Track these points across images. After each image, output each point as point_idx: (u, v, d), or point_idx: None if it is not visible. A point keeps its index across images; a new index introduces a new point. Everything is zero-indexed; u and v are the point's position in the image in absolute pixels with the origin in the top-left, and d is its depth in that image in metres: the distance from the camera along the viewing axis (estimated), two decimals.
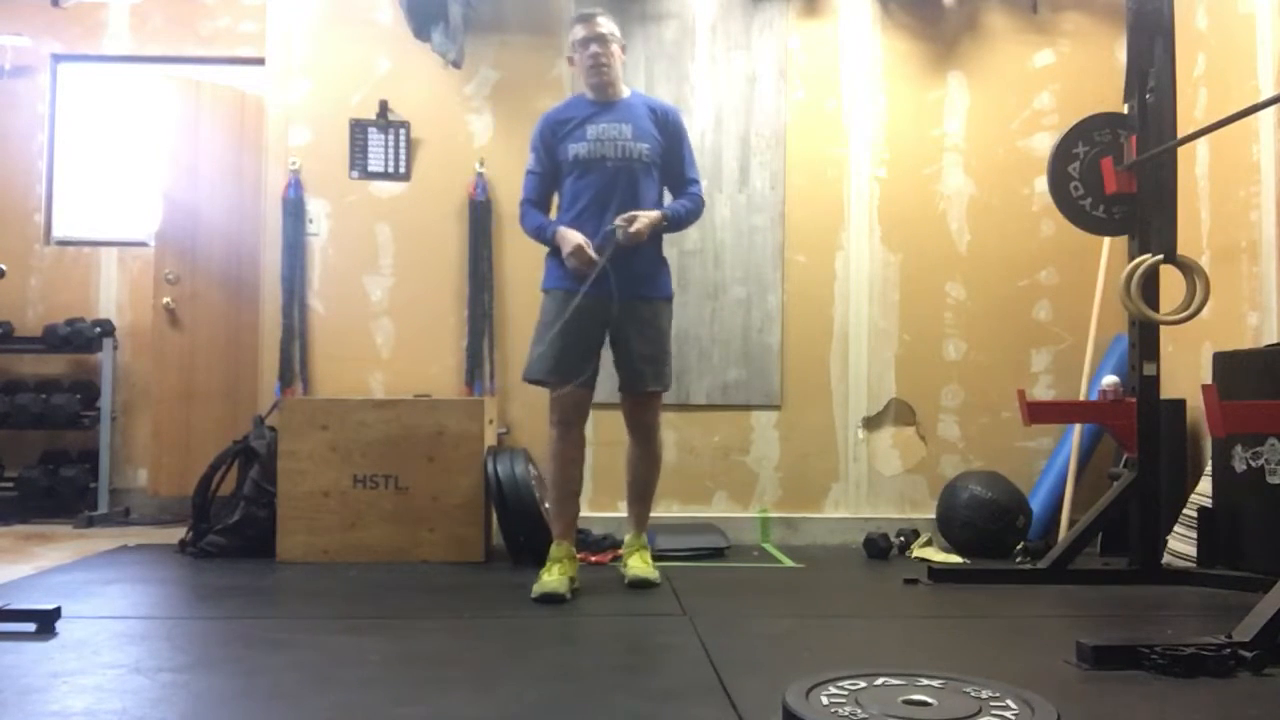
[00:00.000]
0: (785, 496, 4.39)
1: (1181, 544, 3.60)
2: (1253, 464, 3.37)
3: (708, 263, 4.32)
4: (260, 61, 4.57)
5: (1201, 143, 3.97)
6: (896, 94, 4.49)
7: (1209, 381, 3.40)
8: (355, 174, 4.41)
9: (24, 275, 5.06)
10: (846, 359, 4.42)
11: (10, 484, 4.84)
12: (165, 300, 4.77)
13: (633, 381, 3.23)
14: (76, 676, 2.10)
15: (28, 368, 5.07)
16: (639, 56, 4.38)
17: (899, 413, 4.43)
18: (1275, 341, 3.59)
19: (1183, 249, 3.28)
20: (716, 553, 3.94)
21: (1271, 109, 3.57)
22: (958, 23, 4.52)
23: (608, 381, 3.35)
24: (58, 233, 5.20)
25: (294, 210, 4.35)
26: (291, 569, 3.57)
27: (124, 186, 5.25)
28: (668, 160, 3.27)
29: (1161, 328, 3.40)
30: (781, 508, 4.38)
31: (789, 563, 3.86)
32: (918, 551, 3.99)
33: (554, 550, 3.19)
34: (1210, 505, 3.54)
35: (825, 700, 1.74)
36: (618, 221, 3.08)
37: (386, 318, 4.39)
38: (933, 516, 4.21)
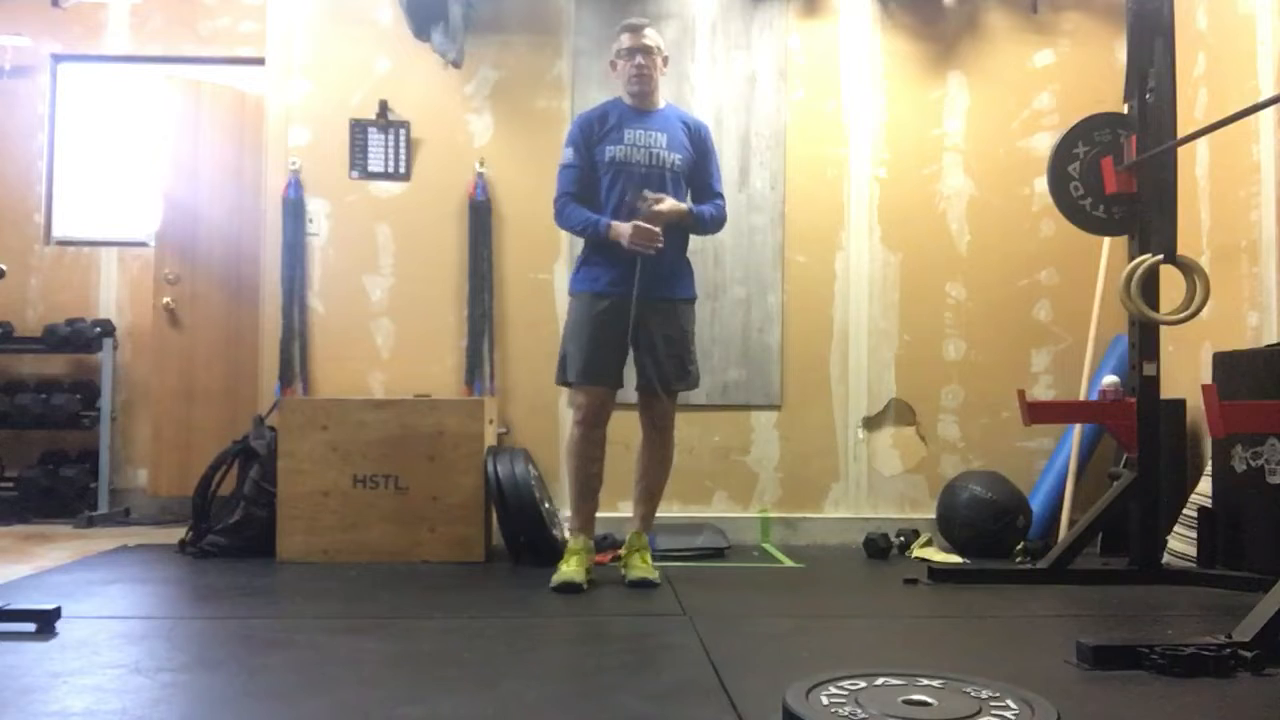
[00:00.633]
0: (785, 496, 4.39)
1: (1181, 544, 3.60)
2: (1253, 464, 3.37)
3: (708, 263, 4.32)
4: (260, 61, 4.57)
5: (1201, 143, 3.97)
6: (896, 94, 4.49)
7: (1209, 381, 3.40)
8: (355, 174, 4.41)
9: (24, 275, 5.05)
10: (846, 359, 4.43)
11: (10, 484, 4.84)
12: (165, 300, 4.77)
13: (656, 381, 3.28)
14: (76, 676, 2.10)
15: (28, 368, 5.07)
16: None
17: (899, 413, 4.43)
18: (1275, 341, 3.59)
19: (1183, 249, 3.28)
20: (716, 553, 3.94)
21: (1271, 109, 3.57)
22: (958, 23, 4.52)
23: None
24: (58, 233, 5.19)
25: (294, 210, 4.35)
26: (291, 569, 3.57)
27: (124, 186, 5.25)
28: (696, 173, 3.38)
29: (1161, 328, 3.40)
30: (781, 508, 4.38)
31: (789, 563, 3.86)
32: (918, 551, 3.99)
33: (572, 543, 3.29)
34: (1210, 505, 3.54)
35: (825, 700, 1.74)
36: (646, 193, 3.17)
37: (386, 318, 4.39)
38: (933, 516, 4.21)
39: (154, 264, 4.83)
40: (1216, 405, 2.56)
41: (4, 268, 3.04)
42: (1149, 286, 3.29)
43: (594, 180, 3.31)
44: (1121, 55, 3.77)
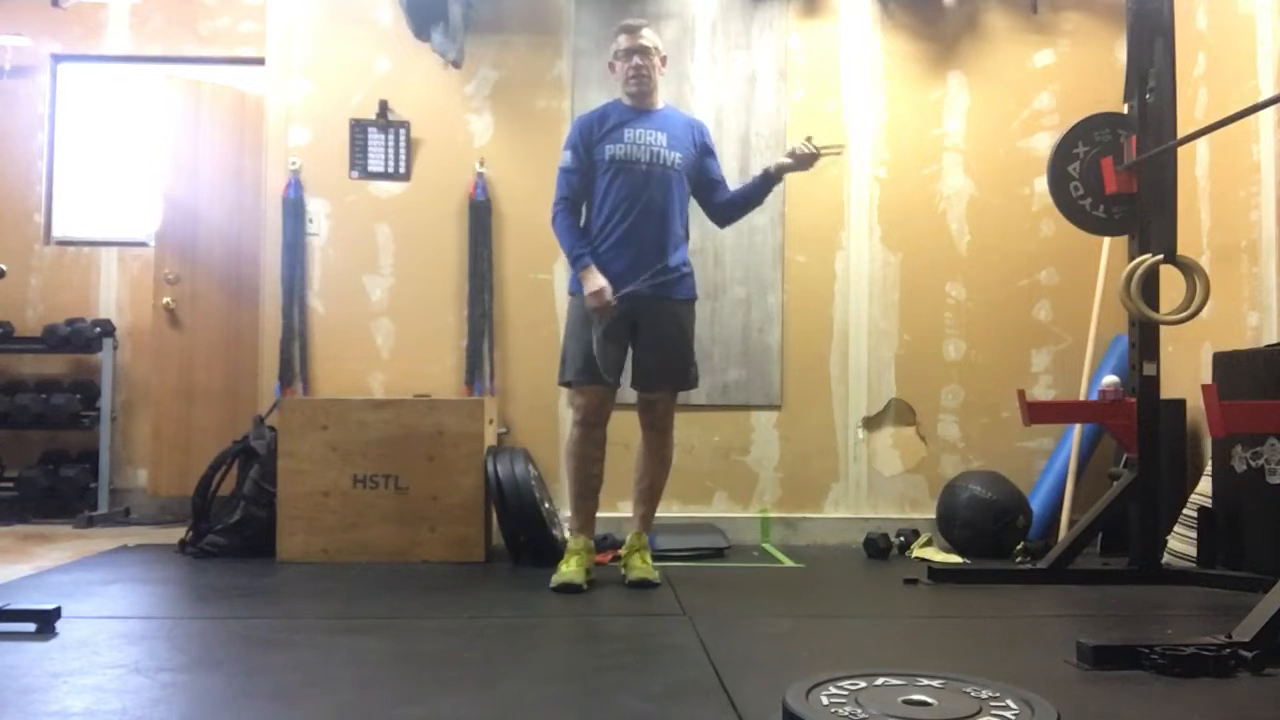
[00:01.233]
0: (785, 496, 4.39)
1: (1181, 544, 3.60)
2: (1253, 464, 3.37)
3: (708, 263, 4.32)
4: (260, 61, 4.57)
5: (1201, 143, 3.97)
6: (896, 94, 4.49)
7: (1209, 381, 3.40)
8: (355, 174, 4.41)
9: (24, 275, 5.05)
10: (846, 359, 4.43)
11: (10, 484, 4.84)
12: (165, 300, 4.77)
13: (656, 380, 3.30)
14: (76, 676, 2.10)
15: (28, 368, 5.07)
16: None
17: (899, 413, 4.43)
18: (1275, 341, 3.59)
19: (1183, 249, 3.28)
20: (716, 553, 3.94)
21: (1271, 109, 3.57)
22: (958, 23, 4.52)
23: None
24: (58, 233, 5.19)
25: (294, 210, 4.35)
26: (291, 569, 3.57)
27: (124, 186, 5.25)
28: (700, 171, 3.40)
29: (1161, 328, 3.40)
30: (781, 508, 4.38)
31: (789, 563, 3.86)
32: (918, 551, 3.99)
33: (572, 543, 3.29)
34: (1210, 505, 3.54)
35: (825, 700, 1.74)
36: (799, 147, 3.31)
37: (386, 318, 4.39)
38: (933, 516, 4.21)
39: (154, 264, 4.83)
40: (1216, 405, 2.56)
41: (4, 268, 3.04)
42: (1149, 286, 3.29)
43: (592, 182, 3.32)
44: (1121, 55, 3.76)
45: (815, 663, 2.22)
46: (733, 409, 4.39)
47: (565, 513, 3.54)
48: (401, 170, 4.41)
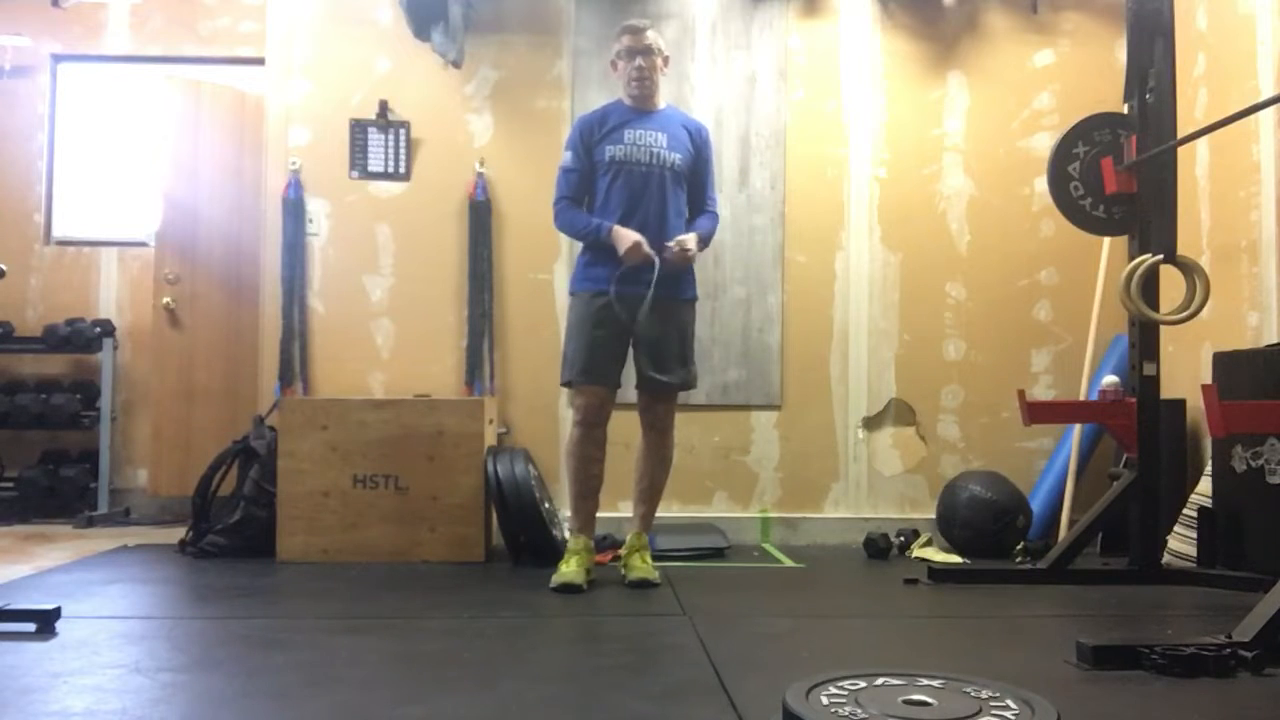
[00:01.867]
0: (785, 496, 4.39)
1: (1181, 544, 3.60)
2: (1253, 464, 3.37)
3: (708, 263, 4.32)
4: (260, 61, 4.57)
5: (1201, 143, 3.97)
6: (896, 94, 4.49)
7: (1209, 381, 3.40)
8: (355, 174, 4.41)
9: (24, 275, 5.05)
10: (846, 359, 4.43)
11: (10, 484, 4.84)
12: (165, 300, 4.77)
13: (657, 380, 3.29)
14: (76, 676, 2.10)
15: (28, 368, 5.07)
16: None
17: (899, 413, 4.43)
18: (1275, 341, 3.59)
19: (1183, 249, 3.28)
20: (716, 553, 3.94)
21: (1271, 109, 3.57)
22: (958, 23, 4.52)
23: None
24: (58, 233, 5.19)
25: (294, 210, 4.35)
26: (291, 569, 3.57)
27: (124, 186, 5.25)
28: (693, 175, 3.39)
29: (1161, 328, 3.40)
30: (781, 508, 4.38)
31: (789, 563, 3.86)
32: (918, 551, 3.99)
33: (572, 543, 3.29)
34: (1210, 505, 3.54)
35: (825, 700, 1.74)
36: (673, 245, 3.21)
37: (386, 318, 4.39)
38: (933, 516, 4.21)
39: (154, 264, 4.83)
40: (1216, 405, 2.57)
41: (4, 268, 3.04)
42: (1149, 286, 3.29)
43: (592, 182, 3.33)
44: (1121, 55, 3.76)
45: (815, 663, 2.23)
46: (733, 409, 4.39)
47: (565, 513, 3.54)
48: (401, 170, 4.41)
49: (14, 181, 5.12)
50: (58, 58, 5.19)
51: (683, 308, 3.34)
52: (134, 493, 5.01)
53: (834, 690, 1.79)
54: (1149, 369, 3.40)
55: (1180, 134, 3.33)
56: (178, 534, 3.97)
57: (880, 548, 3.96)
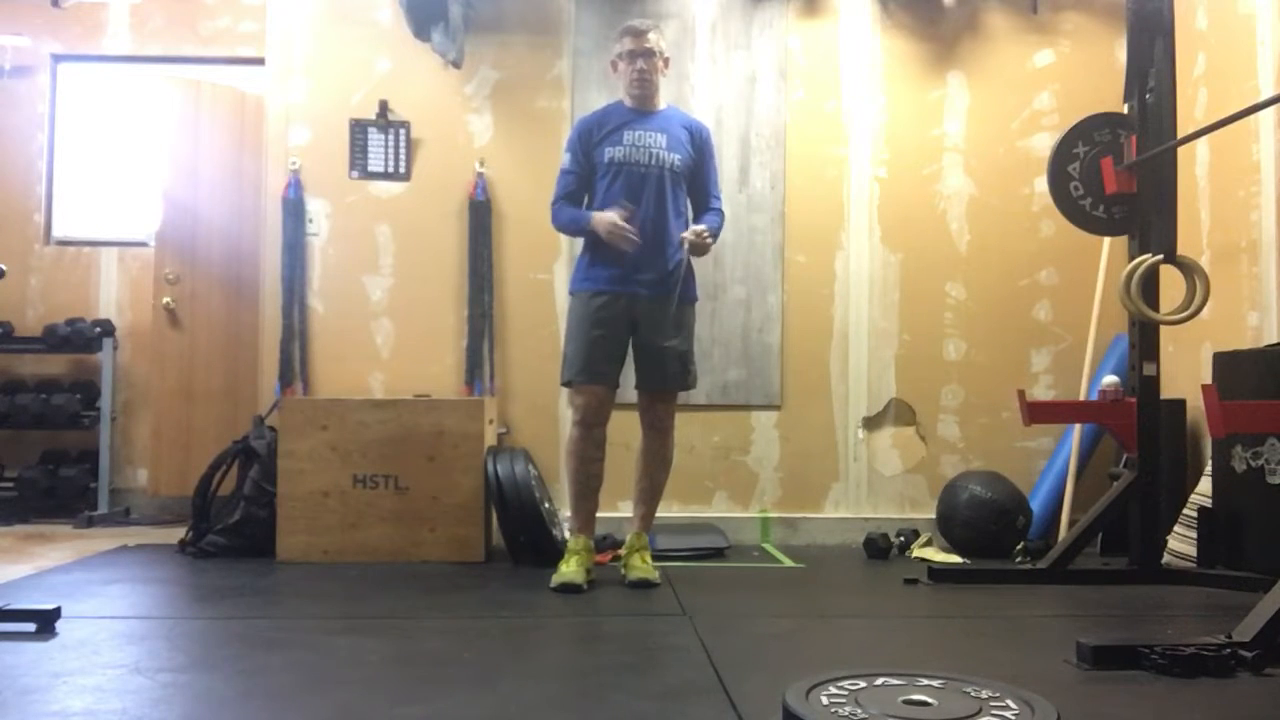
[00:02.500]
0: (785, 496, 4.39)
1: (1181, 544, 3.60)
2: (1253, 464, 3.37)
3: (707, 263, 4.29)
4: (260, 61, 4.57)
5: (1201, 143, 3.97)
6: (896, 94, 4.49)
7: (1209, 381, 3.40)
8: (355, 174, 4.41)
9: (24, 275, 5.06)
10: (846, 359, 4.43)
11: (10, 484, 4.84)
12: (165, 300, 4.77)
13: (659, 379, 3.30)
14: (76, 676, 2.10)
15: (28, 368, 5.07)
16: None
17: (899, 413, 4.43)
18: (1275, 341, 3.59)
19: (1183, 249, 3.28)
20: (716, 553, 3.94)
21: (1271, 109, 3.57)
22: (958, 23, 4.52)
23: None
24: (58, 233, 5.19)
25: (294, 210, 4.35)
26: (291, 569, 3.57)
27: (124, 186, 5.25)
28: (695, 175, 3.40)
29: (1161, 328, 3.40)
30: (781, 508, 4.38)
31: (789, 563, 3.86)
32: (918, 551, 3.99)
33: (572, 543, 3.30)
34: (1210, 505, 3.54)
35: (825, 700, 1.74)
36: (689, 235, 3.21)
37: (386, 318, 4.39)
38: (933, 516, 4.21)
39: (154, 264, 4.83)
40: (1216, 405, 2.57)
41: (4, 268, 3.04)
42: (1149, 286, 3.29)
43: (591, 184, 3.35)
44: (1121, 55, 3.76)
45: (815, 663, 2.22)
46: (733, 409, 4.39)
47: (565, 513, 3.54)
48: (401, 170, 4.41)
49: (14, 181, 5.12)
50: (58, 58, 5.19)
51: (684, 307, 3.34)
52: (134, 493, 5.00)
53: (834, 690, 1.79)
54: (1149, 369, 3.40)
55: (1180, 134, 3.33)
56: (178, 534, 3.97)
57: (880, 548, 3.95)
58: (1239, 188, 3.87)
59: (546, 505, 3.79)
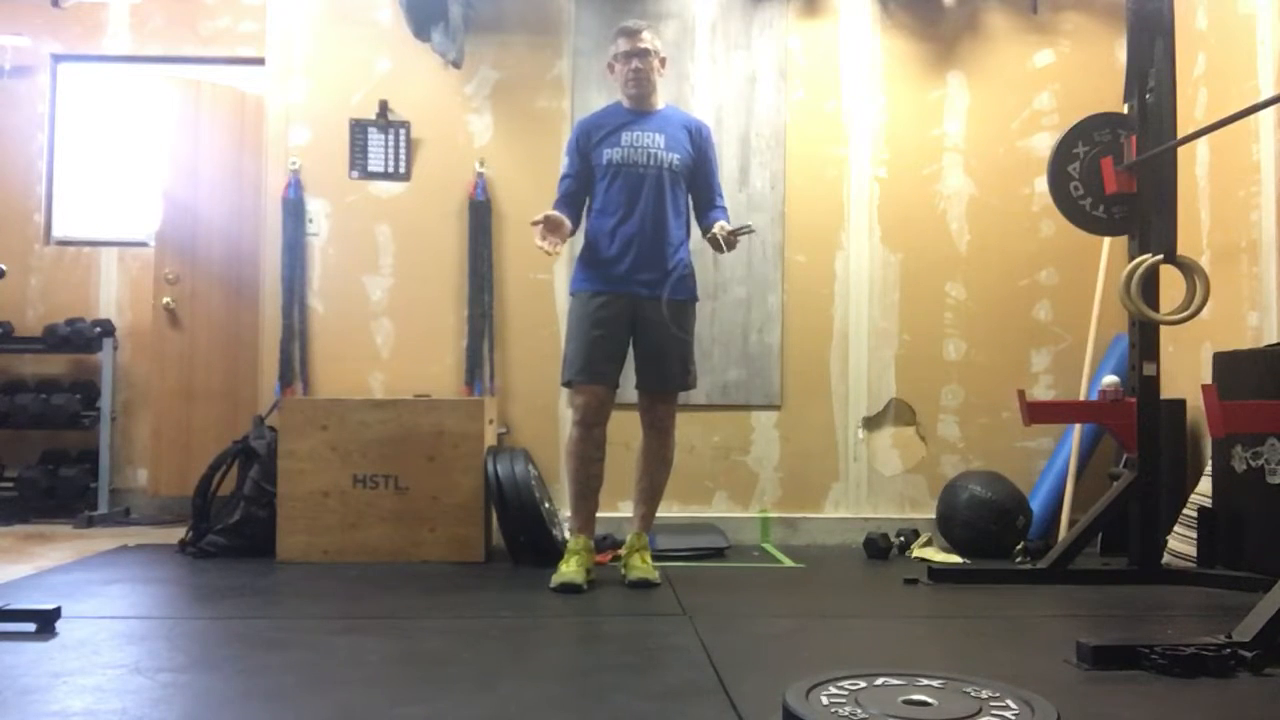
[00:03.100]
0: (785, 496, 4.39)
1: (1181, 544, 3.60)
2: (1253, 464, 3.37)
3: (707, 263, 4.31)
4: (260, 61, 4.57)
5: (1201, 143, 3.97)
6: (896, 94, 4.49)
7: (1209, 381, 3.40)
8: (355, 174, 4.41)
9: (24, 275, 5.06)
10: (846, 359, 4.43)
11: (10, 484, 4.84)
12: (165, 300, 4.77)
13: (659, 379, 3.31)
14: (76, 676, 2.10)
15: (28, 368, 5.07)
16: None
17: (899, 413, 4.43)
18: (1275, 341, 3.59)
19: (1183, 249, 3.28)
20: (716, 553, 3.94)
21: (1271, 109, 3.57)
22: (958, 23, 4.52)
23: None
24: (58, 233, 5.19)
25: (294, 210, 4.35)
26: (291, 569, 3.57)
27: (124, 186, 5.25)
28: (696, 174, 3.39)
29: (1161, 328, 3.40)
30: (781, 508, 4.38)
31: (789, 563, 3.86)
32: (918, 551, 3.99)
33: (572, 543, 3.30)
34: (1210, 505, 3.54)
35: (825, 700, 1.74)
36: (718, 232, 3.18)
37: (386, 318, 4.39)
38: (933, 516, 4.21)
39: (154, 264, 4.83)
40: (1216, 405, 2.57)
41: (4, 268, 3.04)
42: (1149, 286, 3.29)
43: (591, 186, 3.35)
44: (1121, 55, 3.77)
45: (815, 663, 2.22)
46: (733, 409, 4.39)
47: (565, 513, 3.54)
48: (401, 170, 4.41)
49: (14, 181, 5.12)
50: (58, 58, 5.19)
51: (685, 307, 3.34)
52: (134, 493, 5.00)
53: (834, 690, 1.79)
54: (1149, 369, 3.40)
55: (1180, 134, 3.33)
56: (178, 534, 3.97)
57: (880, 548, 3.95)
58: (1239, 188, 3.87)
59: (546, 505, 3.79)
